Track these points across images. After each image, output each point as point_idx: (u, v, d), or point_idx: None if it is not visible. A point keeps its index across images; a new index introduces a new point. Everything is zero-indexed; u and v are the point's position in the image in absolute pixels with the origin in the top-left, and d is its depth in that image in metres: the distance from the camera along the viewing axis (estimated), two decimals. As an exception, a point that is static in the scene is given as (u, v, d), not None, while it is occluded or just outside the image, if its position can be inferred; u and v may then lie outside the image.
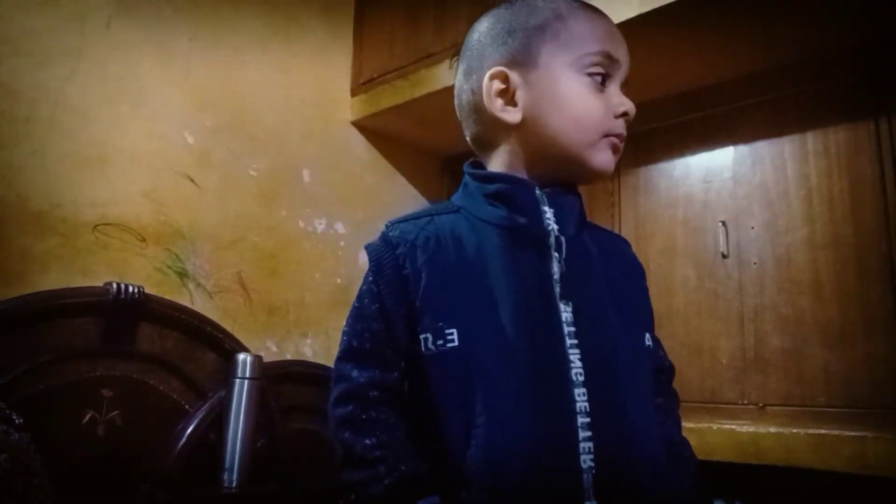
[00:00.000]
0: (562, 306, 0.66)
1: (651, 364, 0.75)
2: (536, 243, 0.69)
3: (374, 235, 2.19)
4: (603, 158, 0.71)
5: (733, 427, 1.31)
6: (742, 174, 1.53)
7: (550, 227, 0.69)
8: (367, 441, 0.65)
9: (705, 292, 1.52)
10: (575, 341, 0.65)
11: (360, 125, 1.97)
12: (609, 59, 0.71)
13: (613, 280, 0.72)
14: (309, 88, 1.88)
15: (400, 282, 0.69)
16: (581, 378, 0.64)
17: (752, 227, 1.49)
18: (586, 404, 0.63)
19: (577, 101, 0.70)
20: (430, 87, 1.73)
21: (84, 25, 1.45)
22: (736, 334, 1.46)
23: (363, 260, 1.95)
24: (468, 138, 0.81)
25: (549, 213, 0.71)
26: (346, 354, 0.71)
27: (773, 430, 1.26)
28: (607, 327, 0.68)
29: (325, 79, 1.94)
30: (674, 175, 1.64)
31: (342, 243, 1.90)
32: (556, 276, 0.68)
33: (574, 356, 0.65)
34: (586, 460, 0.62)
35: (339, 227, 1.90)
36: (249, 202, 1.70)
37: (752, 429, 1.29)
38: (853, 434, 1.17)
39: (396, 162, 2.08)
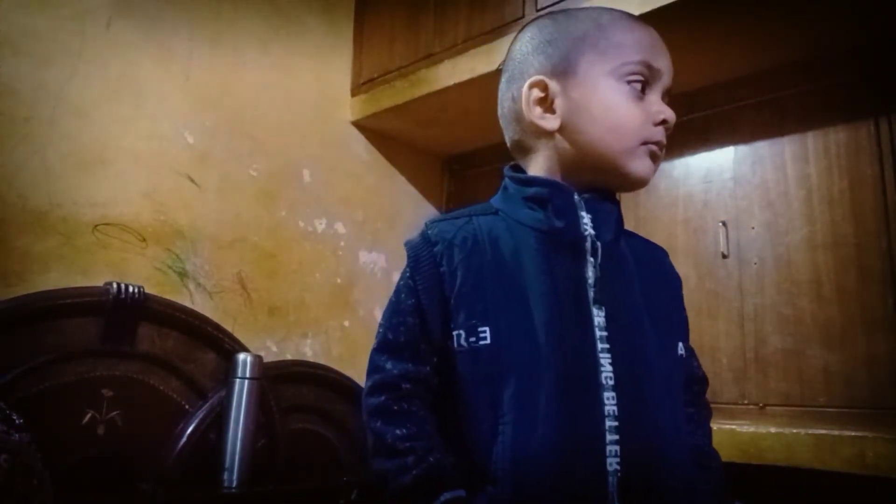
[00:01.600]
0: (595, 311, 0.67)
1: (683, 373, 0.75)
2: (572, 248, 0.70)
3: (373, 235, 2.20)
4: (640, 166, 0.72)
5: (733, 427, 1.31)
6: (742, 174, 1.53)
7: (587, 233, 0.70)
8: (398, 431, 0.67)
9: (705, 292, 1.52)
10: (606, 346, 0.66)
11: (360, 125, 1.97)
12: (648, 68, 0.72)
13: (648, 288, 0.72)
14: (309, 88, 1.88)
15: (436, 279, 0.70)
16: (611, 382, 0.65)
17: (753, 227, 1.49)
18: (615, 408, 0.64)
19: (614, 108, 0.71)
20: (430, 87, 1.74)
21: (84, 25, 1.45)
22: (736, 334, 1.46)
23: (363, 260, 1.95)
24: (508, 144, 0.82)
25: (586, 218, 0.71)
26: (381, 346, 0.72)
27: (773, 430, 1.26)
28: (640, 334, 0.69)
29: (325, 79, 1.94)
30: (674, 175, 1.64)
31: (342, 243, 1.90)
32: (591, 281, 0.69)
33: (605, 360, 0.66)
34: (612, 463, 0.63)
35: (339, 227, 1.90)
36: (249, 202, 1.70)
37: (752, 429, 1.29)
38: (853, 434, 1.17)
39: (396, 162, 2.08)
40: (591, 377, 0.65)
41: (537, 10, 1.54)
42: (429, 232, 0.73)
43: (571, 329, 0.66)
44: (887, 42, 1.35)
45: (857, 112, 1.38)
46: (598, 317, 0.67)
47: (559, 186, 0.73)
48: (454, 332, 0.68)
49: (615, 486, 0.62)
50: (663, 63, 0.73)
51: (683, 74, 1.55)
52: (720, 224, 1.53)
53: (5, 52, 1.34)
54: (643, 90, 0.72)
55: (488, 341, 0.67)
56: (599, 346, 0.66)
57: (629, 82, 0.71)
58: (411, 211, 2.09)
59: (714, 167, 1.58)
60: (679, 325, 0.77)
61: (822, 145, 1.42)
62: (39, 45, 1.39)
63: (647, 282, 0.73)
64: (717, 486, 0.74)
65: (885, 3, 1.25)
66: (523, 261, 0.69)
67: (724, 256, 1.51)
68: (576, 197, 0.72)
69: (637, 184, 0.74)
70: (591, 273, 0.69)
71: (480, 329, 0.67)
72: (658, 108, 0.72)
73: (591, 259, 0.69)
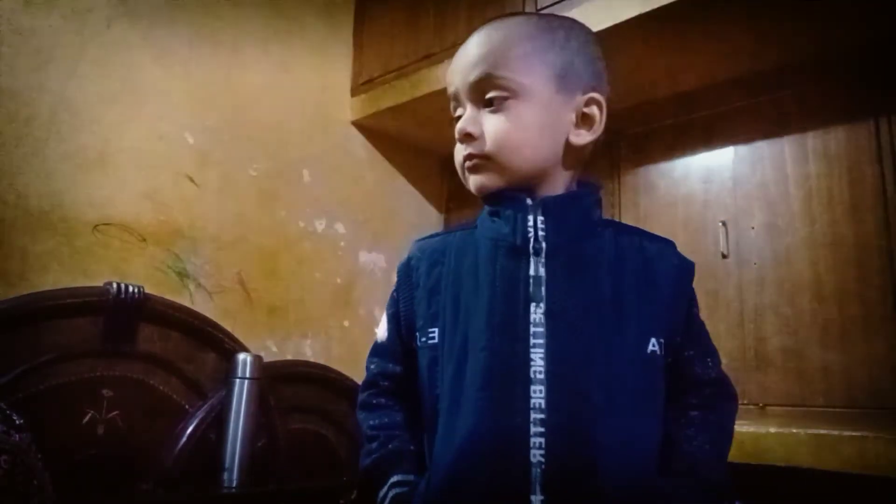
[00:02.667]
0: (532, 307, 0.70)
1: (655, 371, 0.73)
2: (516, 250, 0.73)
3: (373, 235, 2.20)
4: (469, 184, 0.77)
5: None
6: (742, 174, 1.53)
7: (530, 234, 0.72)
8: (371, 422, 0.78)
9: (705, 292, 1.52)
10: (540, 341, 0.68)
11: (360, 125, 1.98)
12: (453, 100, 0.78)
13: (619, 284, 0.72)
14: (309, 88, 1.88)
15: (409, 290, 0.79)
16: (541, 376, 0.67)
17: (752, 228, 1.49)
18: (542, 401, 0.66)
19: None
20: (430, 87, 1.74)
21: (84, 25, 1.46)
22: (736, 334, 1.46)
23: (363, 260, 1.95)
24: None
25: (532, 220, 0.73)
26: (371, 351, 0.83)
27: (773, 430, 1.26)
28: (586, 329, 0.69)
29: (325, 79, 1.94)
30: (674, 175, 1.64)
31: (342, 243, 1.90)
32: (531, 280, 0.71)
33: (536, 355, 0.68)
34: (536, 455, 0.64)
35: (339, 227, 1.90)
36: (249, 202, 1.70)
37: (752, 429, 1.29)
38: (853, 434, 1.17)
39: (396, 162, 2.08)
40: (519, 371, 0.67)
41: (537, 10, 1.54)
42: (410, 252, 0.82)
43: (504, 326, 0.70)
44: (887, 42, 1.35)
45: (857, 112, 1.38)
46: (536, 314, 0.69)
47: (509, 196, 0.75)
48: (416, 333, 0.77)
49: (538, 476, 0.64)
50: (456, 77, 0.77)
51: (683, 74, 1.57)
52: (720, 224, 1.53)
53: (5, 52, 1.34)
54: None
55: (435, 340, 0.74)
56: (532, 341, 0.68)
57: (454, 122, 0.78)
58: (411, 211, 2.09)
59: (714, 167, 1.58)
60: (655, 321, 0.73)
61: (822, 145, 1.42)
62: (39, 45, 1.39)
63: (622, 277, 0.72)
64: (696, 496, 0.70)
65: (885, 3, 1.25)
66: (478, 268, 0.74)
67: (724, 256, 1.51)
68: (528, 201, 0.74)
69: (478, 193, 0.77)
70: (531, 271, 0.71)
71: (430, 330, 0.74)
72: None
73: (535, 258, 0.71)
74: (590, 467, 0.65)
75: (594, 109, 0.76)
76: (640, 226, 1.63)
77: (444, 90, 1.70)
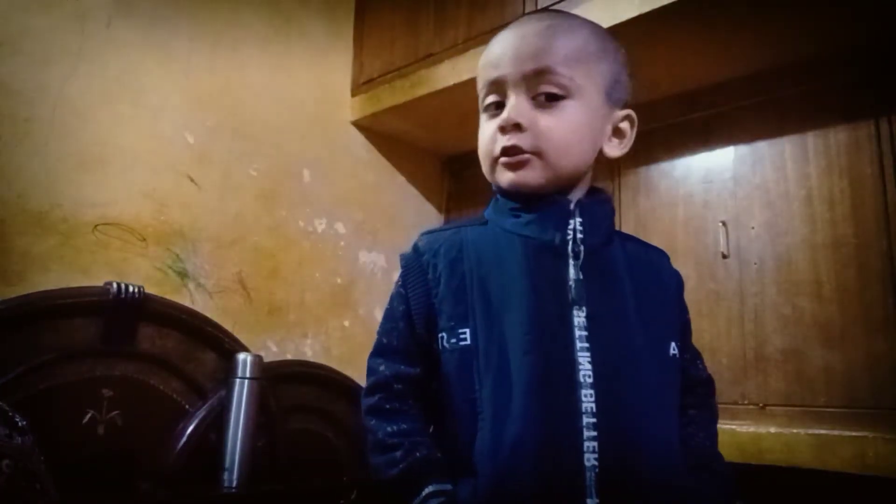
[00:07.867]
0: (575, 311, 0.69)
1: (676, 373, 0.76)
2: (554, 251, 0.72)
3: (373, 235, 2.19)
4: (502, 179, 0.74)
5: (734, 427, 1.31)
6: (742, 174, 1.53)
7: (569, 237, 0.72)
8: (388, 428, 0.71)
9: (706, 292, 1.52)
10: (586, 345, 0.68)
11: (360, 125, 1.98)
12: (493, 85, 0.75)
13: (639, 290, 0.74)
14: (309, 88, 1.88)
15: (424, 286, 0.74)
16: (589, 380, 0.66)
17: (753, 227, 1.49)
18: (593, 405, 0.66)
19: (479, 138, 0.77)
20: (430, 87, 1.74)
21: (84, 25, 1.45)
22: (736, 334, 1.46)
23: (363, 260, 1.95)
24: None
25: (573, 223, 0.73)
26: (376, 350, 0.77)
27: (773, 430, 1.27)
28: (623, 333, 0.70)
29: (325, 79, 1.94)
30: (674, 175, 1.64)
31: (342, 243, 1.90)
32: (572, 283, 0.70)
33: (583, 359, 0.67)
34: (590, 459, 0.64)
35: (339, 227, 1.90)
36: (249, 202, 1.70)
37: (752, 429, 1.29)
38: (853, 434, 1.17)
39: (396, 162, 2.08)
40: (568, 375, 0.67)
41: (537, 10, 1.54)
42: (419, 244, 0.78)
43: (549, 329, 0.68)
44: (887, 42, 1.35)
45: (857, 112, 1.38)
46: (579, 317, 0.69)
47: (550, 197, 0.74)
48: (439, 335, 0.72)
49: (593, 481, 0.63)
50: (505, 64, 0.73)
51: (683, 74, 1.57)
52: (720, 224, 1.53)
53: (5, 52, 1.34)
54: (501, 106, 0.74)
55: (468, 342, 0.70)
56: (578, 344, 0.68)
57: (486, 110, 0.76)
58: (411, 211, 2.09)
59: (714, 167, 1.58)
60: (671, 326, 0.77)
61: (822, 145, 1.42)
62: (39, 45, 1.39)
63: (639, 283, 0.74)
64: (719, 489, 0.74)
65: (884, 3, 1.25)
66: (506, 265, 0.72)
67: (724, 256, 1.51)
68: (571, 205, 0.74)
69: (512, 190, 0.75)
70: (572, 274, 0.70)
71: (461, 330, 0.70)
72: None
73: (574, 262, 0.71)
74: (640, 469, 0.65)
75: (627, 125, 0.78)
76: (641, 225, 1.64)
77: (443, 90, 1.72)
